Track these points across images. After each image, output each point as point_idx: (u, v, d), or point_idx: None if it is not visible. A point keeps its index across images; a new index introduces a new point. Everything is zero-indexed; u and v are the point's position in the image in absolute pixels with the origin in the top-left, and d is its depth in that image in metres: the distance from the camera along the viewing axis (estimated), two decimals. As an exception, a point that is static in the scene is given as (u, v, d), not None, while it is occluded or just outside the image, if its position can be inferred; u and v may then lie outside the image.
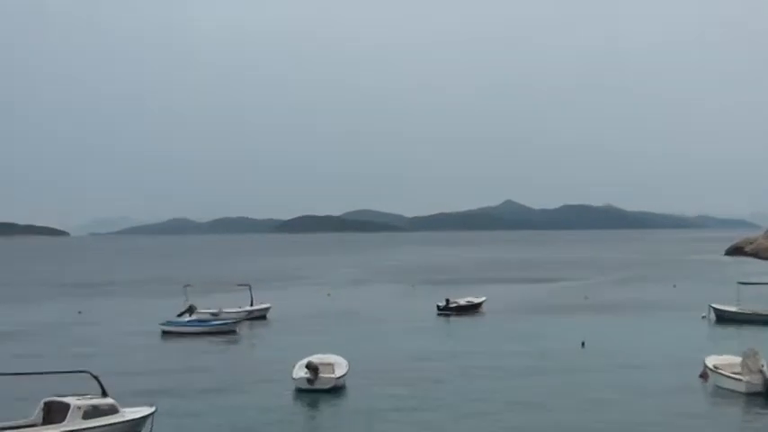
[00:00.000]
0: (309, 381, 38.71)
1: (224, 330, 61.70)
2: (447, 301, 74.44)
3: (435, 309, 74.21)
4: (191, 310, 66.93)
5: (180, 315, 66.41)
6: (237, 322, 63.37)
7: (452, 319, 70.19)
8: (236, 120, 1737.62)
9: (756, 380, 36.71)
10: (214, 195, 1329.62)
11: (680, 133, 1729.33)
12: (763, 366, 36.92)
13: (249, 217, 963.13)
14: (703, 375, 40.16)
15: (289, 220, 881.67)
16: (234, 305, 71.89)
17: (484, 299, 77.40)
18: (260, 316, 71.84)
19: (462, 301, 75.29)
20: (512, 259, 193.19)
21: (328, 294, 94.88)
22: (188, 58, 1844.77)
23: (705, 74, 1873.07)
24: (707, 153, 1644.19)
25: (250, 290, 74.39)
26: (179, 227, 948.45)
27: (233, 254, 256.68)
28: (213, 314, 67.25)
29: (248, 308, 71.70)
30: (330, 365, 40.41)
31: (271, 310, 73.88)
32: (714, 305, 67.56)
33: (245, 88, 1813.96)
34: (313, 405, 36.49)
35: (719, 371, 39.05)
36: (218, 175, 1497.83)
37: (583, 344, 52.41)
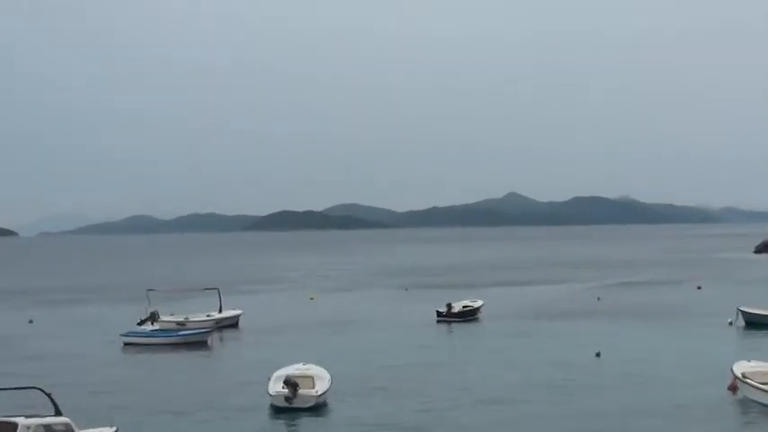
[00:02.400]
0: (287, 398, 38.44)
1: (193, 341, 61.47)
2: (449, 306, 74.16)
3: (433, 314, 73.74)
4: (153, 317, 66.67)
5: (141, 323, 66.17)
6: (209, 332, 63.09)
7: (454, 326, 69.99)
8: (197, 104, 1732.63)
9: (788, 391, 36.51)
10: (180, 190, 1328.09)
11: (703, 121, 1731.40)
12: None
13: (220, 213, 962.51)
14: (732, 387, 40.04)
15: (264, 217, 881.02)
16: (201, 312, 71.79)
17: (482, 303, 77.24)
18: (231, 324, 71.53)
19: (458, 306, 74.92)
20: (515, 258, 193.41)
21: (311, 299, 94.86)
22: (147, 50, 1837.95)
23: (732, 60, 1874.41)
24: (732, 141, 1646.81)
25: (219, 294, 74.03)
26: (141, 224, 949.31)
27: (200, 254, 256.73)
28: (179, 323, 67.10)
29: (217, 315, 71.40)
30: (310, 379, 40.12)
31: (243, 317, 73.52)
32: (743, 308, 67.44)
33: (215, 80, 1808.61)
34: (292, 426, 36.38)
35: (749, 380, 38.93)
36: (184, 168, 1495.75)
37: (598, 354, 52.26)
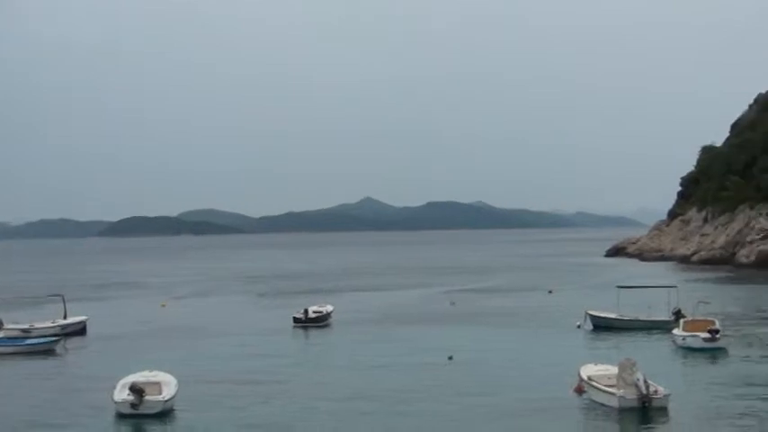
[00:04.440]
0: (133, 405, 38.10)
1: (40, 350, 60.30)
2: (306, 311, 74.13)
3: (288, 320, 73.48)
4: (-3, 325, 65.42)
5: None
6: (57, 340, 61.94)
7: (310, 331, 69.89)
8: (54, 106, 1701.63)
9: (631, 394, 37.34)
10: (30, 195, 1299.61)
11: (558, 128, 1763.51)
12: (638, 379, 37.53)
13: (71, 219, 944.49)
14: (578, 389, 40.94)
15: (117, 222, 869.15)
16: (45, 319, 70.50)
17: (332, 308, 77.31)
18: (77, 331, 70.31)
19: (310, 311, 74.75)
20: (369, 263, 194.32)
21: (162, 305, 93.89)
22: None
23: (584, 66, 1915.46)
24: (584, 148, 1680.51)
25: (63, 301, 72.76)
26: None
27: (49, 260, 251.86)
28: (24, 330, 65.80)
29: (62, 322, 70.11)
30: (157, 385, 39.84)
31: (92, 324, 72.31)
32: (590, 312, 68.96)
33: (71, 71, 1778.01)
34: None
35: (594, 383, 39.88)
36: (33, 172, 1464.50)
37: (450, 357, 52.96)
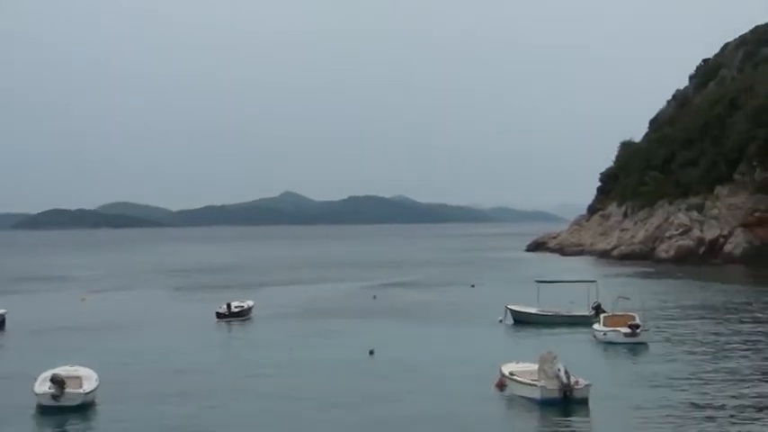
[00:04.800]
0: (54, 396, 37.84)
1: None
2: (228, 305, 73.92)
3: (209, 315, 73.29)
4: None
5: None
6: None
7: (233, 326, 69.70)
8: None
9: (552, 385, 37.74)
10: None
11: (478, 123, 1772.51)
12: (559, 371, 37.92)
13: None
14: (499, 384, 41.23)
15: (35, 215, 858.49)
16: None
17: (252, 303, 77.10)
18: None
19: (233, 306, 74.56)
20: (290, 257, 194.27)
21: (82, 299, 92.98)
22: None
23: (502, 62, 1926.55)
24: (506, 143, 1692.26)
25: None
26: None
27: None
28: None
29: None
30: (78, 379, 39.65)
31: (9, 318, 71.41)
32: (511, 306, 69.31)
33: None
34: (59, 425, 35.85)
35: (515, 377, 40.24)
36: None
37: (371, 352, 53.09)
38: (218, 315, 73.01)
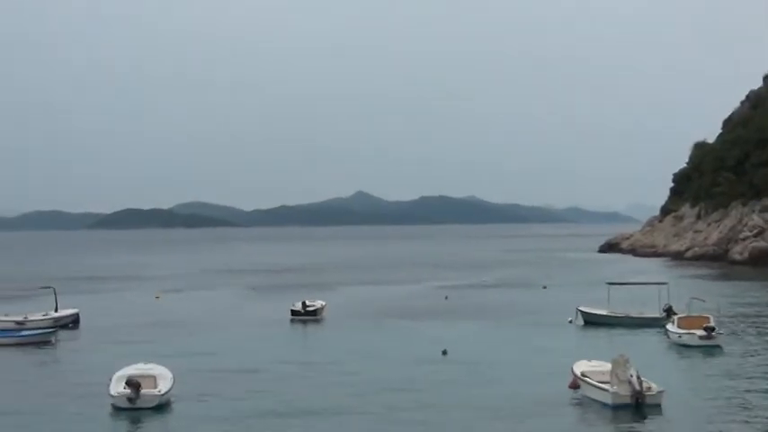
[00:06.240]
0: (130, 399, 38.14)
1: (35, 341, 60.24)
2: (303, 304, 74.18)
3: (283, 313, 73.47)
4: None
5: None
6: (53, 332, 61.96)
7: (307, 325, 69.89)
8: (44, 100, 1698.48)
9: (624, 391, 37.47)
10: (24, 187, 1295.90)
11: (551, 123, 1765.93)
12: (632, 377, 37.61)
13: (64, 211, 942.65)
14: (572, 385, 41.02)
15: (110, 215, 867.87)
16: (36, 311, 70.47)
17: (323, 303, 77.02)
18: (69, 323, 70.30)
19: (298, 305, 74.61)
20: (362, 257, 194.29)
21: (156, 298, 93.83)
22: None
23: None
24: (578, 143, 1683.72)
25: (54, 293, 72.67)
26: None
27: (43, 252, 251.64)
28: (18, 322, 65.84)
29: (54, 314, 69.97)
30: (152, 378, 39.85)
31: (85, 317, 72.23)
32: (581, 308, 69.01)
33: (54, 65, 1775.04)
34: (135, 426, 36.16)
35: (587, 379, 40.04)
36: (27, 165, 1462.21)
37: (444, 352, 53.03)
38: (293, 314, 73.35)
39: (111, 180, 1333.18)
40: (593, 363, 42.12)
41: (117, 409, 38.20)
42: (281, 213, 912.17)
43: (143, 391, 38.38)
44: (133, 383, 38.44)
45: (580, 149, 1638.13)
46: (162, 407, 38.58)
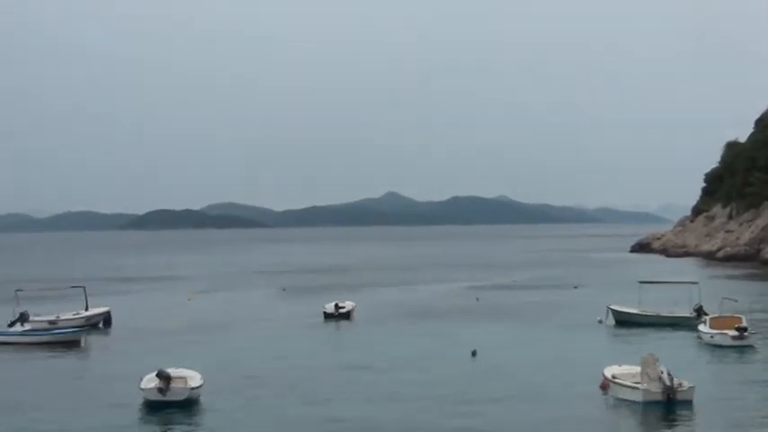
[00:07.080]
0: (161, 390, 38.47)
1: (66, 340, 60.61)
2: (336, 305, 74.27)
3: (315, 315, 73.64)
4: (23, 318, 65.37)
5: (11, 325, 65.02)
6: (82, 331, 62.35)
7: (340, 326, 70.04)
8: (74, 102, 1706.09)
9: (655, 388, 37.46)
10: (56, 188, 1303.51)
11: (578, 123, 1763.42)
12: (662, 373, 37.60)
13: (96, 211, 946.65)
14: (603, 386, 41.05)
15: (142, 216, 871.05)
16: (69, 310, 70.90)
17: (353, 304, 76.99)
18: (99, 322, 70.80)
19: (330, 307, 74.85)
20: (393, 257, 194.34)
21: (188, 299, 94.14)
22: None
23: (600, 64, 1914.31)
24: (607, 144, 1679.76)
25: (84, 292, 72.99)
26: (16, 223, 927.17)
27: (75, 253, 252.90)
28: (50, 322, 66.22)
29: (85, 313, 70.41)
30: (183, 378, 40.13)
31: (116, 316, 72.50)
32: (612, 306, 68.92)
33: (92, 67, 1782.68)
34: (165, 418, 36.52)
35: (618, 380, 40.05)
36: (60, 166, 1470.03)
37: (474, 353, 53.02)
38: (326, 315, 73.49)
39: (142, 181, 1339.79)
40: (624, 367, 42.05)
41: (148, 402, 38.61)
42: (312, 214, 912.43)
43: (173, 384, 38.74)
44: (164, 375, 38.82)
45: (611, 150, 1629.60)
46: (191, 402, 38.87)
